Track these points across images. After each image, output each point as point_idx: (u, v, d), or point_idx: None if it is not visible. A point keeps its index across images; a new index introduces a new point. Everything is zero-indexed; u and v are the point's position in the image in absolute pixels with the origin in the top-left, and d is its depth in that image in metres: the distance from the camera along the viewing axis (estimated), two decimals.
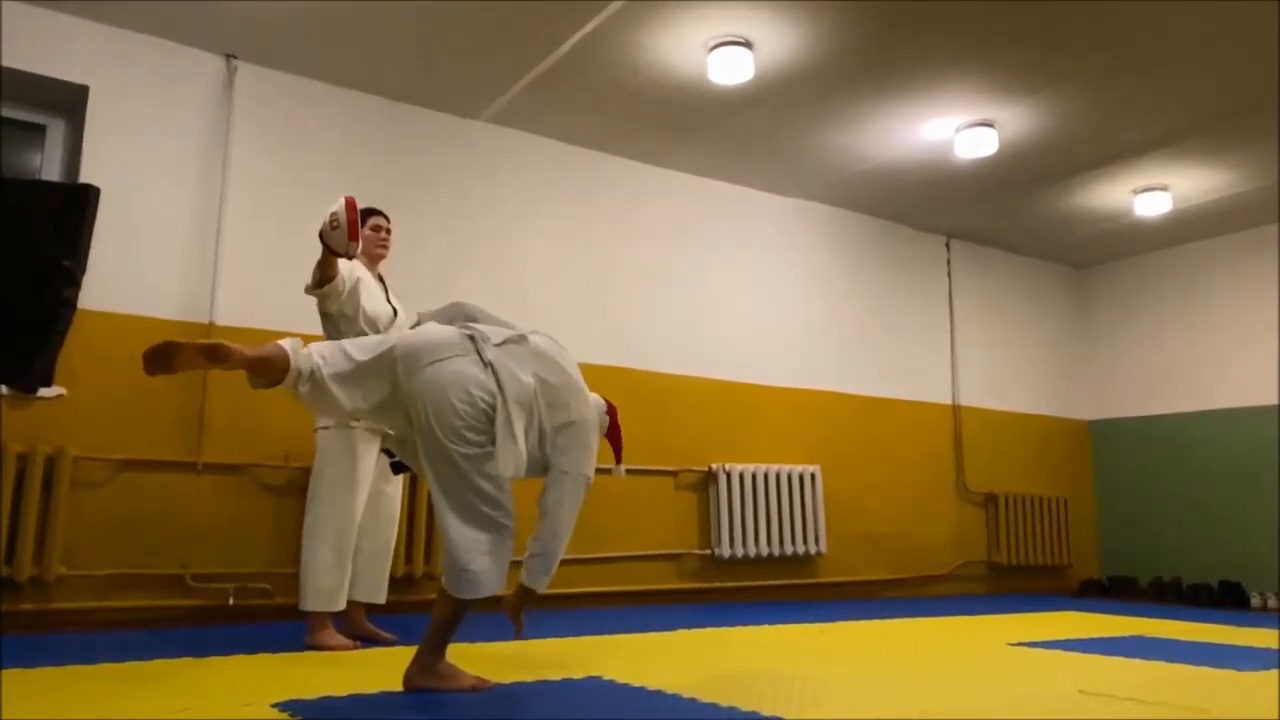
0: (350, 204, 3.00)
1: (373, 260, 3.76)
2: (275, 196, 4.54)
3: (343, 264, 3.36)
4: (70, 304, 3.99)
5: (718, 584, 5.58)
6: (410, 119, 5.00)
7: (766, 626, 4.35)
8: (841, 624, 4.59)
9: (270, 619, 4.18)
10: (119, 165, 4.20)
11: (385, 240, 3.79)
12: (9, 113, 4.23)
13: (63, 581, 3.84)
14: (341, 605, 3.43)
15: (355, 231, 3.00)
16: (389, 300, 3.70)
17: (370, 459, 3.52)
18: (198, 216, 4.36)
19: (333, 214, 3.00)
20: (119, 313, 4.11)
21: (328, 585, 3.39)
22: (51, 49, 4.12)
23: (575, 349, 5.09)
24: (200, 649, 3.21)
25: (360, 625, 3.59)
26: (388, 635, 3.58)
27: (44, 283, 3.97)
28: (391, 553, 3.72)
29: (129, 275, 4.16)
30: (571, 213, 5.45)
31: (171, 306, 4.25)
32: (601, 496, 5.24)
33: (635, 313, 5.57)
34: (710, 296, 5.89)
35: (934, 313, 7.01)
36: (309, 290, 3.44)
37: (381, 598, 3.66)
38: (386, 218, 3.86)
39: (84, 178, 4.10)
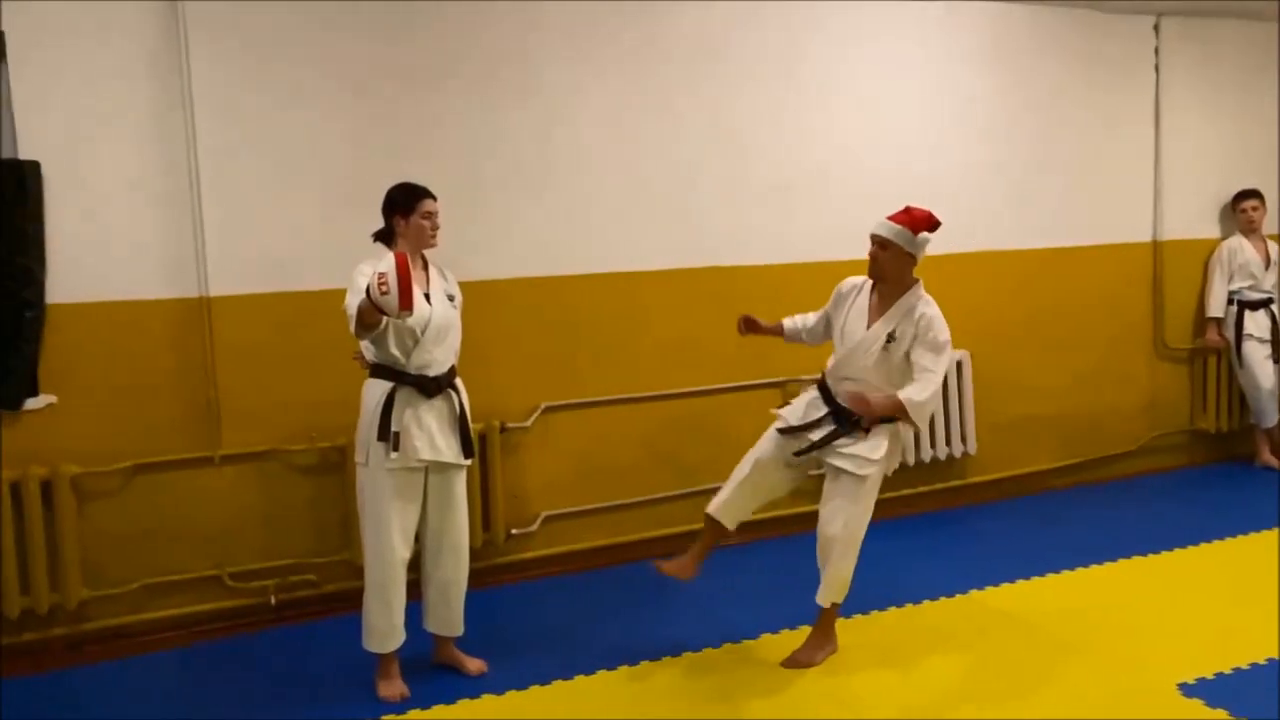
0: (402, 263, 2.77)
1: (423, 248, 3.22)
2: (255, 122, 3.75)
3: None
4: (34, 304, 3.51)
5: None
6: None
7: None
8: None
9: (319, 613, 3.87)
10: (58, 125, 3.51)
11: (435, 230, 3.22)
12: None
13: (90, 604, 3.62)
14: (389, 648, 3.24)
15: (408, 298, 2.77)
16: (427, 295, 3.16)
17: (414, 494, 3.18)
18: (166, 168, 3.66)
19: (381, 276, 2.77)
20: (98, 301, 3.60)
21: (375, 627, 3.22)
22: None
23: (631, 249, 4.36)
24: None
25: (445, 654, 3.40)
26: (474, 665, 3.36)
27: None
28: (462, 584, 3.35)
29: (99, 255, 3.58)
30: (624, 72, 4.32)
31: (157, 283, 3.68)
32: (694, 424, 4.55)
33: (712, 191, 4.53)
34: (813, 155, 4.69)
35: (1132, 122, 5.46)
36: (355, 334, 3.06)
37: (455, 630, 3.37)
38: (435, 198, 3.21)
39: (21, 151, 3.47)
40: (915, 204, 4.69)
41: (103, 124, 3.57)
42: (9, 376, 3.47)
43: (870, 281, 3.38)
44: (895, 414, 3.25)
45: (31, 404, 3.52)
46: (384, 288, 2.75)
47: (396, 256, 2.80)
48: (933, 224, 3.30)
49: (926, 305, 3.27)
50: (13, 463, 3.48)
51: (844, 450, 3.29)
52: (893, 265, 3.28)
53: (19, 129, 3.46)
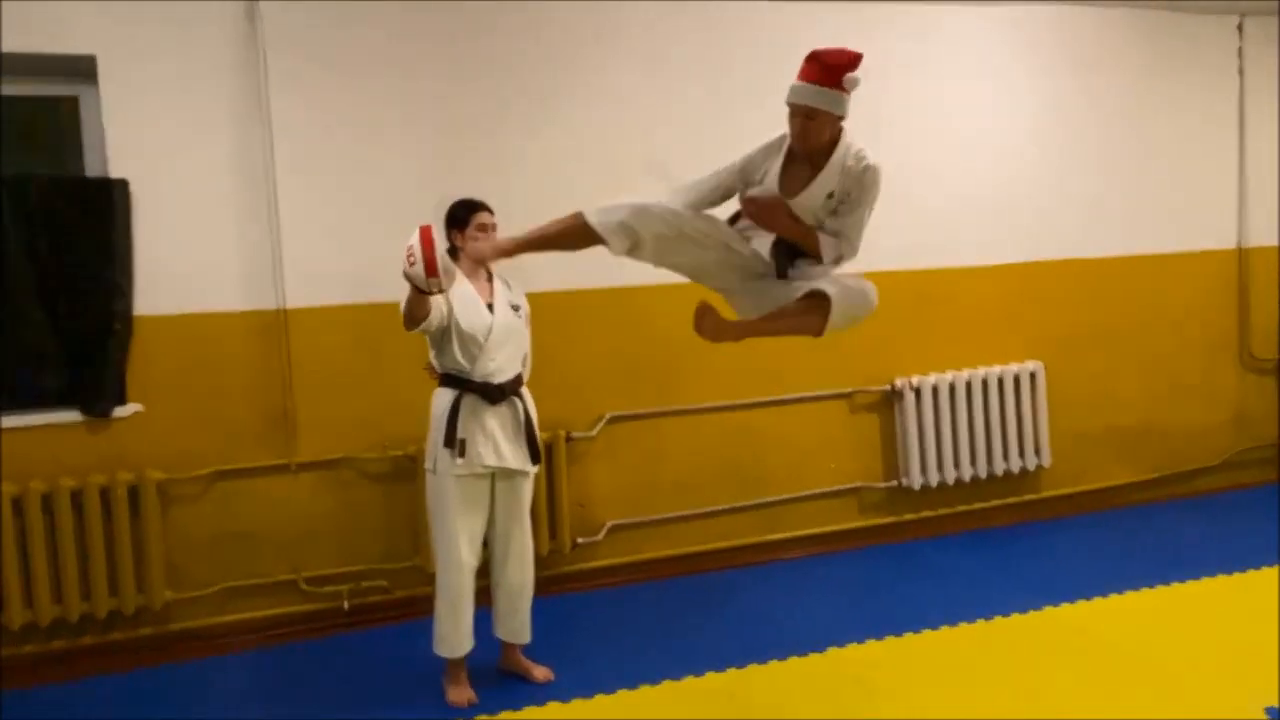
0: (426, 237, 2.80)
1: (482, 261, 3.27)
2: (330, 141, 3.87)
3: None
4: (123, 316, 3.65)
5: (909, 516, 4.77)
6: (471, 6, 4.06)
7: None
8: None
9: (390, 619, 3.95)
10: (145, 146, 3.66)
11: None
12: (30, 90, 3.73)
13: (173, 606, 3.75)
14: (458, 654, 3.29)
15: (433, 267, 2.79)
16: (490, 304, 3.25)
17: (480, 501, 3.25)
18: (244, 185, 3.79)
19: (409, 249, 2.81)
20: (181, 313, 3.73)
21: (443, 632, 3.28)
22: (52, 26, 3.55)
23: None
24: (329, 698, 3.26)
25: (511, 661, 3.46)
26: (540, 672, 3.41)
27: (90, 299, 3.62)
28: (528, 591, 3.41)
29: (182, 270, 3.72)
30: (695, 78, 4.35)
31: (237, 296, 3.81)
32: (759, 436, 4.53)
33: None
34: (884, 162, 4.63)
35: (1215, 126, 5.30)
36: (406, 328, 3.13)
37: (522, 637, 3.43)
38: (491, 211, 3.31)
39: (110, 170, 3.63)
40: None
41: (186, 144, 3.72)
42: (98, 386, 3.63)
43: (784, 145, 2.79)
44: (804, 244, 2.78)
45: (119, 412, 3.66)
46: (411, 259, 2.80)
47: (421, 229, 2.83)
48: (854, 62, 2.67)
49: (860, 149, 2.75)
50: (102, 468, 3.63)
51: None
52: (823, 131, 2.70)
53: (108, 148, 3.62)
